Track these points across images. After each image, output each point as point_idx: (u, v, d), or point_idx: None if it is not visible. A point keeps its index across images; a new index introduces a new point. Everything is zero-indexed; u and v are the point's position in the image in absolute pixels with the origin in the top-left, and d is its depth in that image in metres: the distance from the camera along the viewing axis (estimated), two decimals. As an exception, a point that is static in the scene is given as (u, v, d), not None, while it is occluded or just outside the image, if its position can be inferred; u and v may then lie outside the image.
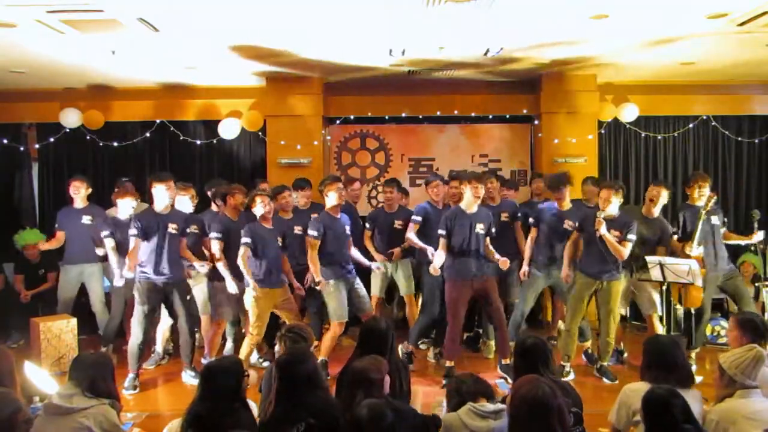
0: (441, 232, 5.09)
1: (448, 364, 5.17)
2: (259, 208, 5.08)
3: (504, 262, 5.09)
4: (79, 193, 5.95)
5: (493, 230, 5.21)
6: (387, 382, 2.91)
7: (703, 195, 5.32)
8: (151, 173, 6.55)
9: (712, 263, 5.27)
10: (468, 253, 5.04)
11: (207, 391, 2.82)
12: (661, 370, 3.04)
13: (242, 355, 5.10)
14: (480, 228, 5.07)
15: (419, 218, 5.58)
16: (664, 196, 5.37)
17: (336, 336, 5.18)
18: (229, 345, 5.95)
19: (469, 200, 5.07)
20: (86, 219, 5.93)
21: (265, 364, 5.26)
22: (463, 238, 5.03)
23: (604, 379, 5.15)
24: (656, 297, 5.36)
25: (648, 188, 5.63)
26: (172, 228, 5.08)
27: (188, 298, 5.29)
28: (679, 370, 3.08)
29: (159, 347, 5.70)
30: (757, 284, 6.36)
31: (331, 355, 5.19)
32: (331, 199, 5.18)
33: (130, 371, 5.04)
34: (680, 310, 5.34)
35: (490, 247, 5.17)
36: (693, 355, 5.40)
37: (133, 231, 4.99)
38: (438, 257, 5.06)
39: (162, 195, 5.05)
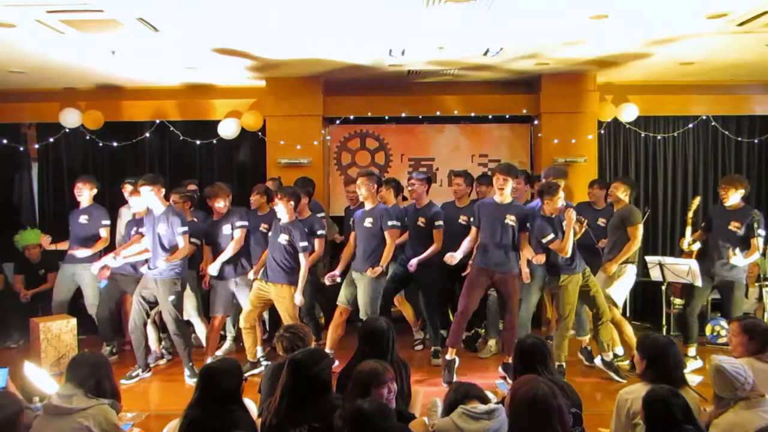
0: (472, 219, 5.26)
1: (449, 356, 5.12)
2: (281, 208, 5.19)
3: (539, 258, 5.02)
4: (82, 194, 5.97)
5: (529, 225, 5.09)
6: (394, 389, 2.88)
7: (726, 198, 5.36)
8: (150, 173, 6.57)
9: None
10: (494, 243, 5.02)
11: (205, 393, 2.81)
12: (658, 371, 3.03)
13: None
14: (510, 219, 5.01)
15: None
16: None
17: (337, 323, 5.26)
18: (227, 345, 5.95)
19: (497, 191, 5.07)
20: (83, 219, 5.93)
21: (265, 363, 5.27)
22: (491, 228, 5.03)
23: (611, 374, 5.13)
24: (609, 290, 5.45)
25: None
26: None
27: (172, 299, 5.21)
28: (676, 370, 3.07)
29: (154, 347, 5.68)
30: (765, 288, 6.36)
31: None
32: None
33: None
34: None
35: (526, 242, 5.11)
36: (692, 350, 5.40)
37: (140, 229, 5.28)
38: (461, 248, 5.17)
39: (150, 199, 5.16)
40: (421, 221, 5.64)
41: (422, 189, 5.73)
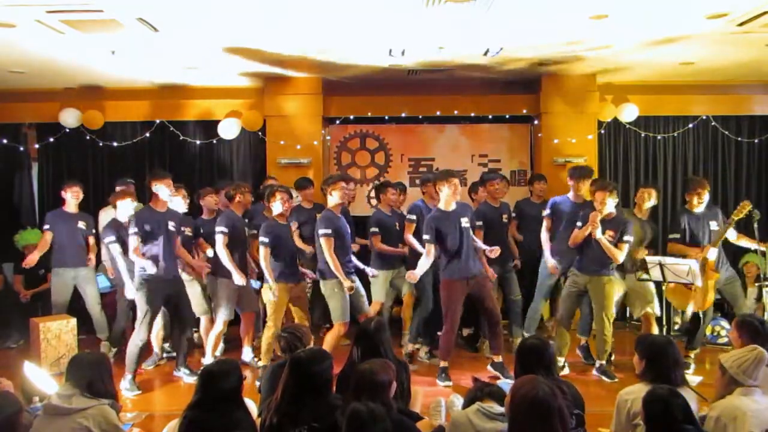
0: (426, 237, 4.97)
1: (442, 364, 5.15)
2: (278, 205, 5.15)
3: (494, 251, 5.08)
4: (79, 198, 5.94)
5: (478, 223, 5.25)
6: (394, 386, 2.88)
7: (702, 202, 5.31)
8: (150, 173, 6.57)
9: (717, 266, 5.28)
10: (461, 251, 5.00)
11: (205, 394, 2.80)
12: (657, 371, 3.03)
13: (263, 348, 5.22)
14: (465, 222, 5.02)
15: (413, 217, 5.60)
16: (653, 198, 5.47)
17: (339, 335, 5.13)
18: (221, 345, 5.94)
19: (448, 198, 5.02)
20: (81, 224, 5.90)
21: (260, 363, 5.28)
22: (453, 237, 4.97)
23: (604, 378, 5.15)
24: (652, 297, 5.40)
25: (638, 191, 5.67)
26: (171, 226, 5.11)
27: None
28: (675, 369, 3.08)
29: (156, 347, 5.68)
30: (765, 288, 6.33)
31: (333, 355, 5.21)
32: (335, 198, 5.15)
33: (127, 372, 4.96)
34: (689, 311, 5.35)
35: (476, 240, 5.19)
36: (692, 355, 5.40)
37: (134, 230, 4.94)
38: (422, 265, 4.97)
39: (164, 193, 5.06)
40: None
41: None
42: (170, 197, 5.15)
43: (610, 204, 4.99)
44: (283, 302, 5.18)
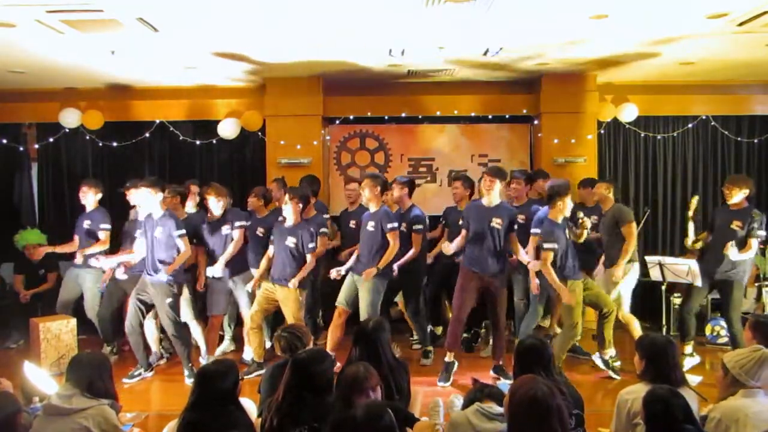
0: (460, 223, 5.22)
1: (447, 358, 5.14)
2: (288, 209, 5.18)
3: (535, 264, 4.98)
4: (86, 197, 5.90)
5: (515, 226, 5.10)
6: (378, 395, 2.84)
7: (730, 200, 5.30)
8: (150, 173, 6.57)
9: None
10: (481, 246, 5.01)
11: (201, 395, 2.80)
12: (657, 371, 3.03)
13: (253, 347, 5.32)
14: (496, 222, 5.00)
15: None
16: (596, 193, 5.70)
17: (336, 324, 5.20)
18: (225, 344, 5.95)
19: (483, 194, 5.10)
20: (86, 224, 5.89)
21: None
22: (477, 230, 5.02)
23: (610, 373, 5.14)
24: (613, 294, 5.39)
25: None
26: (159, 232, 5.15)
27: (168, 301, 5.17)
28: (675, 369, 3.08)
29: (154, 347, 5.66)
30: (765, 288, 6.34)
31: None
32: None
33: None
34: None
35: (516, 243, 5.11)
36: (688, 348, 5.38)
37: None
38: (454, 244, 5.19)
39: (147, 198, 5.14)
40: (403, 226, 5.51)
41: (402, 193, 5.68)
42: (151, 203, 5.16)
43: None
44: (261, 299, 5.24)
